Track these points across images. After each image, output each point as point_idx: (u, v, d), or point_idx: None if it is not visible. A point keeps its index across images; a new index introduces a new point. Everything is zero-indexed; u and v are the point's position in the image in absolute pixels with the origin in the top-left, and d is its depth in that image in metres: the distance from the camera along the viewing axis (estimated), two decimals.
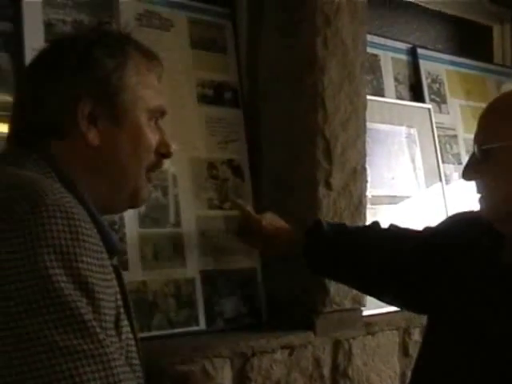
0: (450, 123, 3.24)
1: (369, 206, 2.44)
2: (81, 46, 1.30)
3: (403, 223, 2.10)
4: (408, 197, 2.89)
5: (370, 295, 2.16)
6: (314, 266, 2.09)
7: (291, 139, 2.31)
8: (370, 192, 2.48)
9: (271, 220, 2.12)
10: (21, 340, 0.99)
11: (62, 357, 0.99)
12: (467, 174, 1.65)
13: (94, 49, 1.30)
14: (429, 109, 3.13)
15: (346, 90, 2.32)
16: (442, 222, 1.94)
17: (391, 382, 2.49)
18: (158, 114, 1.40)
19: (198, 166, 2.26)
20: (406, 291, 1.94)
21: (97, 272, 1.07)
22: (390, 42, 3.15)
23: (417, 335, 2.56)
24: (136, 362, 1.24)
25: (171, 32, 2.30)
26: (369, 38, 2.49)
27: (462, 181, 1.68)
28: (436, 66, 3.30)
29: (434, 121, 3.11)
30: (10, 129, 1.33)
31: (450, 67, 3.38)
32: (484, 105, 1.71)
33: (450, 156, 3.16)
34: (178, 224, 2.17)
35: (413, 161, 2.97)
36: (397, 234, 2.05)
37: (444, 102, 3.28)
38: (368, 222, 2.25)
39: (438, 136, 3.11)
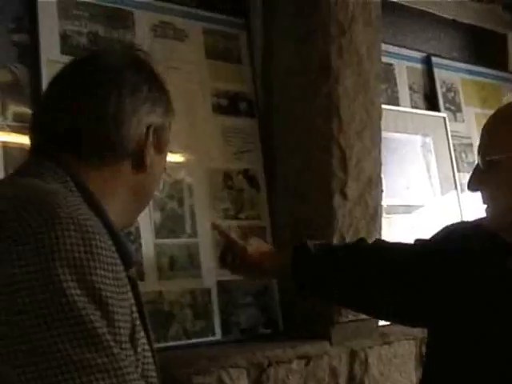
0: (466, 132, 3.23)
1: (384, 215, 2.44)
2: (148, 76, 1.34)
3: (418, 232, 2.09)
4: (423, 206, 2.88)
5: (365, 311, 2.10)
6: (303, 288, 2.02)
7: (306, 149, 2.31)
8: (385, 201, 2.47)
9: (256, 246, 2.04)
10: (34, 354, 0.98)
11: (76, 371, 0.98)
12: (472, 185, 1.66)
13: (158, 83, 1.35)
14: (444, 117, 3.12)
15: (360, 100, 2.31)
16: (437, 233, 1.91)
17: None
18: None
19: (214, 176, 2.26)
20: (406, 298, 1.88)
21: (111, 285, 1.06)
22: (404, 51, 3.14)
23: None
24: (153, 374, 1.23)
25: (186, 42, 2.30)
26: (383, 47, 2.50)
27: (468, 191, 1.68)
28: (451, 74, 3.30)
29: (449, 129, 3.10)
30: (36, 140, 1.32)
31: (465, 75, 3.37)
32: None
33: (466, 164, 3.15)
34: (193, 234, 2.17)
35: (428, 169, 2.96)
36: (388, 247, 2.03)
37: (459, 110, 3.27)
38: (364, 237, 2.17)
39: (454, 144, 3.10)
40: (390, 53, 3.01)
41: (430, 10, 3.36)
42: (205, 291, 2.15)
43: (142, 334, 1.19)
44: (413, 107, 3.09)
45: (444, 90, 3.24)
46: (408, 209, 2.83)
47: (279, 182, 2.38)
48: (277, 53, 2.40)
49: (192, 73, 2.29)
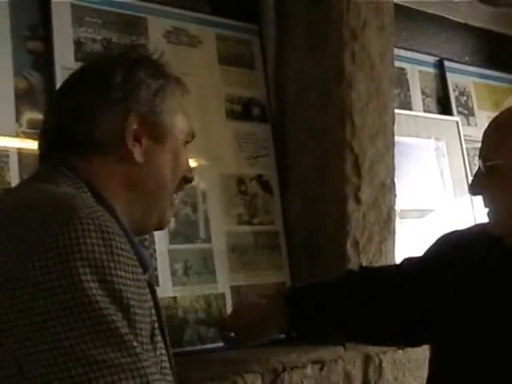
0: (478, 136, 3.18)
1: (397, 219, 2.44)
2: (125, 65, 1.31)
3: (431, 236, 2.08)
4: (436, 210, 2.88)
5: (372, 342, 2.09)
6: (303, 330, 2.02)
7: (319, 154, 2.31)
8: (398, 206, 2.47)
9: (243, 313, 2.01)
10: (58, 354, 0.98)
11: (100, 371, 0.98)
12: (473, 189, 1.67)
13: (138, 69, 1.31)
14: (457, 121, 3.12)
15: (373, 104, 2.32)
16: (429, 248, 1.89)
17: None
18: (190, 137, 1.42)
19: (228, 181, 2.27)
20: (410, 319, 1.85)
21: (132, 286, 1.06)
22: (416, 55, 3.14)
23: None
24: (170, 378, 1.23)
25: (199, 48, 2.31)
26: (395, 51, 2.50)
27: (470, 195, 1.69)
28: (463, 78, 3.29)
29: (462, 133, 3.10)
30: (42, 146, 1.32)
31: (478, 79, 3.37)
32: None
33: None
34: (207, 240, 2.17)
35: (441, 174, 2.96)
36: (379, 271, 2.04)
37: (472, 114, 3.26)
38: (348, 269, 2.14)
39: (467, 149, 3.09)
40: (402, 57, 3.01)
41: (442, 14, 3.36)
42: (219, 296, 2.15)
43: (160, 338, 1.19)
44: (425, 111, 3.09)
45: (457, 93, 3.24)
46: (421, 213, 2.82)
47: (292, 187, 2.39)
48: (289, 58, 2.41)
49: (205, 78, 2.29)
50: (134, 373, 1.00)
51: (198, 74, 2.27)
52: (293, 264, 2.35)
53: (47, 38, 1.98)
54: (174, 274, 2.07)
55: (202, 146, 2.21)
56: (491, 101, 3.37)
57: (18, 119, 1.89)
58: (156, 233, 2.04)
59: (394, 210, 2.38)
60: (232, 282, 2.19)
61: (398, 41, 2.83)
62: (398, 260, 2.15)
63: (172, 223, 2.09)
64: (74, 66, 1.93)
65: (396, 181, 2.39)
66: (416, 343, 2.06)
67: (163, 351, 1.20)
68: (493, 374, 1.63)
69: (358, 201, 2.26)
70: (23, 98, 1.91)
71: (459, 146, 3.07)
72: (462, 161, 3.06)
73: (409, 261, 1.96)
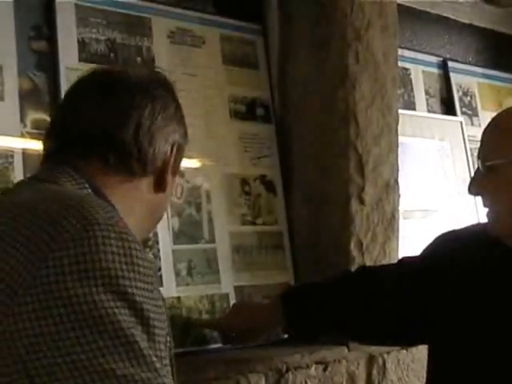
0: None
1: (401, 220, 2.44)
2: (174, 99, 1.32)
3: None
4: (440, 210, 2.87)
5: (371, 342, 2.09)
6: (301, 330, 2.04)
7: (323, 154, 2.31)
8: (402, 206, 2.47)
9: (241, 312, 2.03)
10: (74, 368, 0.93)
11: None
12: (472, 189, 1.67)
13: (179, 103, 1.34)
14: (461, 122, 3.12)
15: (377, 104, 2.32)
16: (427, 247, 1.90)
17: None
18: None
19: (231, 182, 2.27)
20: (409, 319, 1.85)
21: (150, 298, 1.01)
22: (420, 56, 3.14)
23: None
24: None
25: (203, 49, 2.31)
26: (399, 51, 2.49)
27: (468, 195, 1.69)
28: (467, 78, 3.29)
29: (465, 134, 3.09)
30: (51, 145, 1.28)
31: (482, 80, 3.37)
32: None
33: None
34: (211, 240, 2.17)
35: (445, 174, 2.96)
36: (377, 270, 2.05)
37: (476, 114, 3.26)
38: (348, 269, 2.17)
39: (470, 149, 3.09)
40: (406, 57, 3.01)
41: (446, 15, 3.36)
42: (223, 296, 2.15)
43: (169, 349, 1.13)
44: (429, 112, 3.09)
45: (460, 94, 3.24)
46: (425, 213, 2.82)
47: (296, 187, 2.39)
48: (293, 58, 2.41)
49: (209, 79, 2.29)
50: None
51: (201, 75, 2.27)
52: (296, 264, 2.35)
53: (51, 38, 1.98)
54: (177, 274, 2.07)
55: (206, 146, 2.22)
56: (495, 101, 3.36)
57: (22, 119, 1.89)
58: (160, 233, 2.05)
59: (398, 210, 2.38)
60: (236, 282, 2.19)
61: (402, 41, 2.83)
62: None
63: (176, 223, 2.10)
64: (78, 66, 1.96)
65: (400, 181, 2.39)
66: (415, 343, 2.06)
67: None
68: (493, 374, 1.63)
69: (361, 201, 2.26)
70: (28, 98, 1.91)
71: (463, 147, 3.07)
72: (465, 161, 3.06)
73: (407, 260, 1.96)
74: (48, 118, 1.85)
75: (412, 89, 3.05)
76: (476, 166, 1.68)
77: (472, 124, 3.22)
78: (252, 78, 2.41)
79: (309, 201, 2.34)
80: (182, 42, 2.27)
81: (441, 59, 3.24)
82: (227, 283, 2.17)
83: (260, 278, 2.25)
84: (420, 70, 3.12)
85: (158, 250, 2.05)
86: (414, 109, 3.02)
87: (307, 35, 2.35)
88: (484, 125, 3.21)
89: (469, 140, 3.10)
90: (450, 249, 1.79)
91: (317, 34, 2.32)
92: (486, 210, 1.67)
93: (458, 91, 3.22)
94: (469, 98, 3.26)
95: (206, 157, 2.22)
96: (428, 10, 3.24)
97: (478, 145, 1.72)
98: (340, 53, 2.28)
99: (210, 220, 2.18)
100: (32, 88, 1.93)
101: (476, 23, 3.51)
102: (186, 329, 2.03)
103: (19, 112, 1.89)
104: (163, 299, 1.08)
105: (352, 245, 2.25)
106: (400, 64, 2.58)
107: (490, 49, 3.60)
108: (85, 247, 0.97)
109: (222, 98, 2.31)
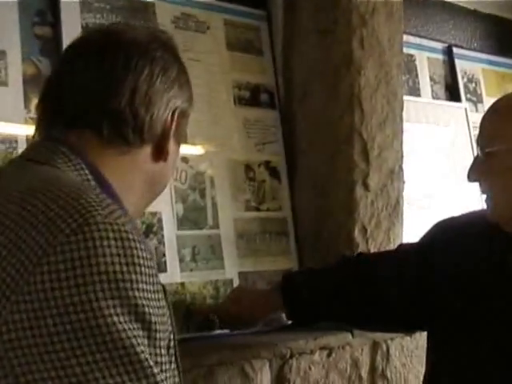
0: None
1: (405, 206, 2.43)
2: (176, 61, 1.24)
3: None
4: (444, 196, 2.87)
5: (370, 328, 2.09)
6: (300, 317, 2.02)
7: (328, 140, 2.30)
8: (406, 192, 2.46)
9: (240, 301, 2.01)
10: (68, 383, 0.87)
11: None
12: (471, 175, 1.66)
13: (182, 64, 1.26)
14: (465, 108, 3.11)
15: (382, 91, 2.31)
16: (426, 234, 1.89)
17: None
18: None
19: (236, 167, 2.26)
20: (408, 306, 1.85)
21: (153, 299, 0.95)
22: (425, 42, 3.13)
23: None
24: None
25: (207, 34, 2.30)
26: (404, 37, 2.48)
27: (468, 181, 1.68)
28: (472, 65, 3.28)
29: (470, 120, 3.09)
30: (45, 118, 1.19)
31: (487, 66, 3.36)
32: None
33: None
34: (215, 226, 2.17)
35: (449, 160, 2.95)
36: (375, 257, 2.05)
37: (480, 101, 3.25)
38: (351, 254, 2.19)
39: (475, 135, 3.08)
40: (411, 43, 3.00)
41: (451, 0, 3.34)
42: (227, 282, 2.16)
43: (174, 348, 1.05)
44: (434, 98, 3.09)
45: (465, 80, 3.23)
46: (429, 200, 2.82)
47: (301, 173, 2.38)
48: (298, 44, 2.40)
49: (213, 64, 2.29)
50: None
51: (206, 60, 2.26)
52: (301, 250, 2.35)
53: (55, 24, 1.98)
54: (181, 259, 2.07)
55: (210, 131, 2.21)
56: (500, 87, 3.35)
57: (26, 105, 1.89)
58: (164, 218, 2.05)
59: (402, 196, 2.38)
60: (240, 268, 2.19)
61: (407, 27, 2.82)
62: None
63: (180, 209, 2.10)
64: None
65: (404, 167, 2.39)
66: (414, 330, 2.07)
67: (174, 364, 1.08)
68: (493, 361, 1.63)
69: (366, 187, 2.26)
70: (32, 83, 1.91)
71: (467, 133, 3.07)
72: (470, 148, 3.06)
73: (405, 246, 1.96)
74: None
75: (417, 75, 3.05)
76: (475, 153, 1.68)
77: (476, 110, 3.21)
78: (256, 63, 2.40)
79: (313, 187, 2.34)
80: (186, 27, 2.26)
81: (446, 45, 3.23)
82: (231, 269, 2.17)
83: (264, 264, 2.25)
84: (425, 56, 3.11)
85: (163, 236, 2.05)
86: (418, 95, 3.02)
87: (312, 21, 2.34)
88: None
89: (473, 126, 3.09)
90: (449, 236, 1.79)
91: (321, 19, 2.32)
92: (485, 196, 1.66)
93: (462, 77, 3.21)
94: (473, 85, 3.25)
95: (210, 142, 2.22)
96: None
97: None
98: (345, 38, 2.27)
99: (214, 206, 2.18)
100: (36, 74, 1.93)
101: (481, 9, 3.50)
102: (188, 315, 2.04)
103: (23, 98, 1.89)
104: (165, 291, 1.01)
105: (356, 231, 2.24)
106: (405, 50, 2.57)
107: (495, 35, 3.58)
108: (81, 250, 0.90)
109: (226, 83, 2.31)
